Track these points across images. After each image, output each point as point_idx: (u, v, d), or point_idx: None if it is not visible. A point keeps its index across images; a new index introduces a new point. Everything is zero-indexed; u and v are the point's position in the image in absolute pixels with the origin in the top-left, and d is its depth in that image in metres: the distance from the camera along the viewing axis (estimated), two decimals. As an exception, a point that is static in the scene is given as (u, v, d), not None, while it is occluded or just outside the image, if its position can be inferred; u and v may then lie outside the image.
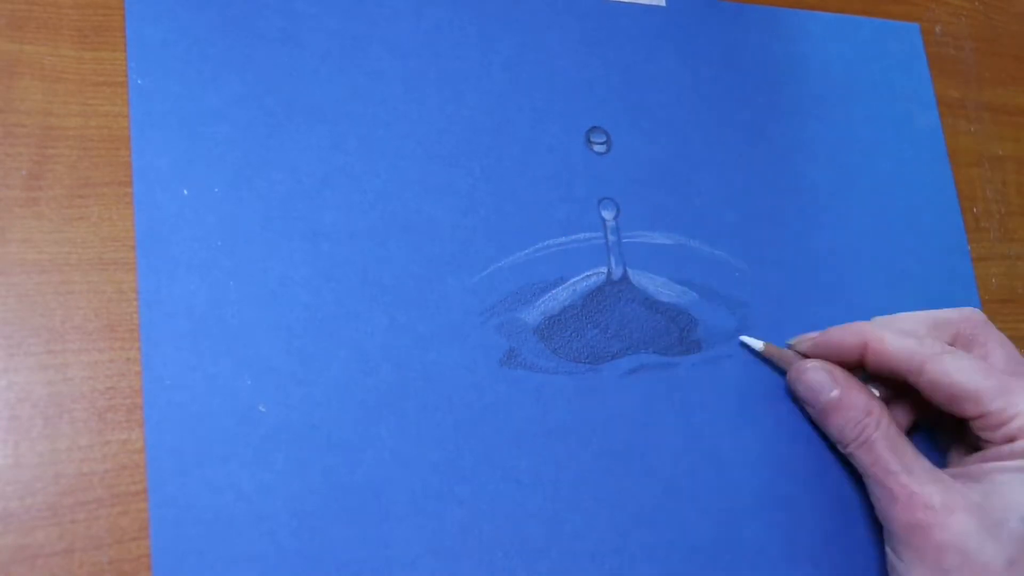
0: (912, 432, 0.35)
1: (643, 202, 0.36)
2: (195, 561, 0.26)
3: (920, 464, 0.31)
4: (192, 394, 0.28)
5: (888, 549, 0.31)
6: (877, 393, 0.34)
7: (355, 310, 0.30)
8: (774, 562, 0.33)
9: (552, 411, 0.32)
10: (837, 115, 0.41)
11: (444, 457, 0.30)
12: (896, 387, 0.33)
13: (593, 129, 0.36)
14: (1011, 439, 0.30)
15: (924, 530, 0.29)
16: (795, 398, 0.35)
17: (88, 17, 0.30)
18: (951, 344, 0.33)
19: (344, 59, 0.33)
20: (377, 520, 0.29)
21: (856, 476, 0.35)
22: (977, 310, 0.34)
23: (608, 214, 0.35)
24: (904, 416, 0.34)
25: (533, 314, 0.33)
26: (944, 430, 0.35)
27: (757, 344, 0.35)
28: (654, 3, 0.39)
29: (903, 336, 0.32)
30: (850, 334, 0.33)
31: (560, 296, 0.33)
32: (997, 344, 0.33)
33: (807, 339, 0.34)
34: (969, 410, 0.30)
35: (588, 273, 0.34)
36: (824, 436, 0.35)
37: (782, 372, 0.35)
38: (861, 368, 0.33)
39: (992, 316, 0.35)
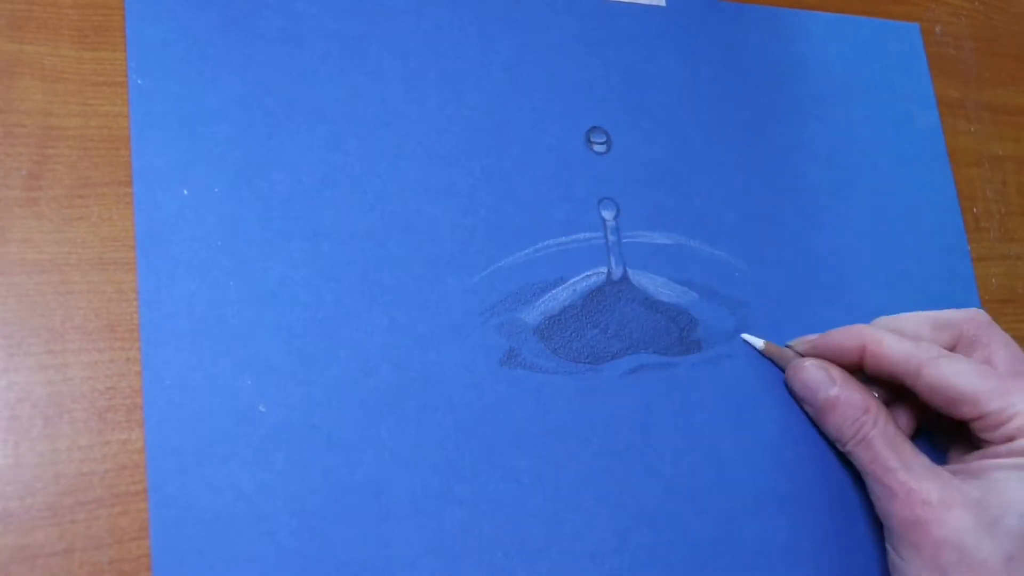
0: (915, 436, 0.35)
1: (643, 202, 0.36)
2: (195, 561, 0.26)
3: (918, 461, 0.31)
4: (192, 394, 0.28)
5: (888, 546, 0.31)
6: (876, 395, 0.34)
7: (355, 310, 0.30)
8: (774, 562, 0.33)
9: (552, 411, 0.32)
10: (837, 115, 0.41)
11: (444, 457, 0.30)
12: (897, 390, 0.33)
13: (593, 129, 0.36)
14: (1010, 438, 0.30)
15: (922, 526, 0.29)
16: (794, 397, 0.35)
17: (88, 17, 0.30)
18: (955, 345, 0.33)
19: (344, 59, 0.33)
20: (377, 520, 0.29)
21: (856, 476, 0.35)
22: (981, 311, 0.34)
23: (608, 214, 0.35)
24: (906, 419, 0.34)
25: (533, 314, 0.33)
26: (944, 429, 0.35)
27: (758, 343, 0.35)
28: (654, 3, 0.39)
29: (901, 340, 0.32)
30: (849, 337, 0.33)
31: (560, 296, 0.33)
32: (1001, 345, 0.33)
33: (806, 341, 0.34)
34: (967, 412, 0.30)
35: (588, 273, 0.34)
36: (824, 436, 0.35)
37: (782, 371, 0.35)
38: (861, 371, 0.33)
39: (992, 316, 0.35)
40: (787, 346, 0.35)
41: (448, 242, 0.32)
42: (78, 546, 0.26)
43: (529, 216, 0.34)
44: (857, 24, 0.44)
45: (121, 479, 0.26)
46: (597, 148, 0.36)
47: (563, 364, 0.33)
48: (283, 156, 0.31)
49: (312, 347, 0.29)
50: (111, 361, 0.27)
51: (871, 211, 0.40)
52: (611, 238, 0.35)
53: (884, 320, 0.34)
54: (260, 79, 0.31)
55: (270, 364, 0.29)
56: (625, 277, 0.35)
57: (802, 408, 0.35)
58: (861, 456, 0.32)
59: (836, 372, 0.33)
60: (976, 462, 0.30)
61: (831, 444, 0.35)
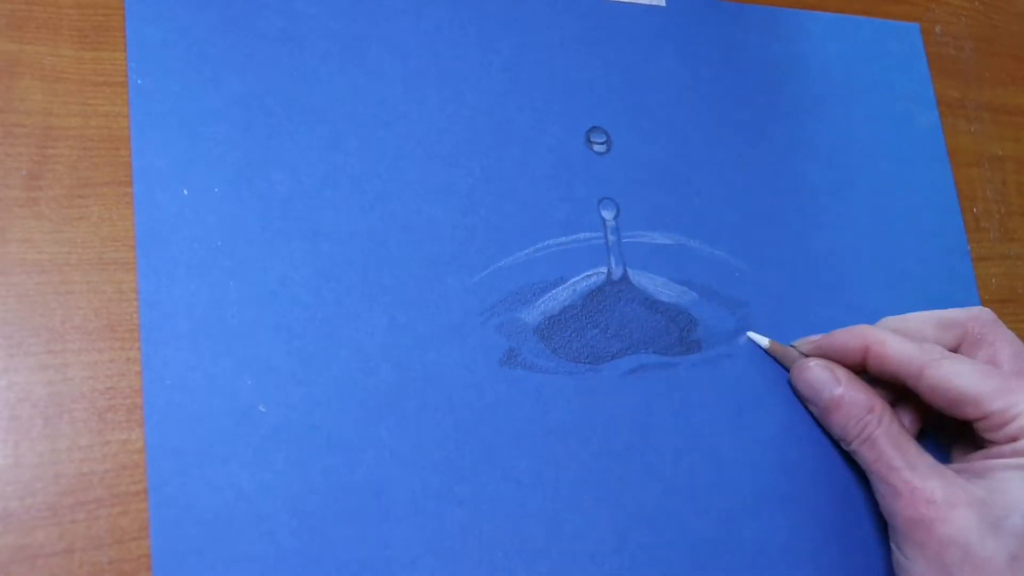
0: (921, 435, 0.35)
1: (643, 202, 0.36)
2: (195, 561, 0.26)
3: (923, 459, 0.31)
4: (192, 394, 0.28)
5: (893, 545, 0.31)
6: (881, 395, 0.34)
7: (355, 310, 0.30)
8: (774, 562, 0.33)
9: (552, 411, 0.32)
10: (837, 115, 0.41)
11: (444, 457, 0.30)
12: (902, 389, 0.34)
13: (593, 129, 0.36)
14: (1014, 438, 0.30)
15: (926, 525, 0.29)
16: (798, 396, 0.35)
17: (88, 17, 0.30)
18: (960, 343, 0.33)
19: (344, 59, 0.33)
20: (377, 520, 0.29)
21: (857, 475, 0.35)
22: (986, 309, 0.34)
23: (608, 214, 0.35)
24: (911, 418, 0.34)
25: (533, 314, 0.33)
26: (949, 428, 0.35)
27: (763, 341, 0.35)
28: (654, 3, 0.39)
29: (903, 340, 0.32)
30: (852, 337, 0.33)
31: (560, 296, 0.33)
32: (1006, 343, 0.33)
33: (810, 341, 0.35)
34: (970, 413, 0.30)
35: (588, 273, 0.34)
36: (825, 435, 0.35)
37: (786, 370, 0.35)
38: (866, 371, 0.33)
39: (992, 316, 0.35)
40: (791, 346, 0.35)
41: (448, 242, 0.32)
42: (78, 546, 0.26)
43: (529, 216, 0.34)
44: (857, 24, 0.44)
45: (121, 479, 0.26)
46: (597, 148, 0.36)
47: (563, 364, 0.33)
48: (283, 156, 0.31)
49: (312, 347, 0.29)
50: (111, 361, 0.27)
51: (871, 211, 0.40)
52: (611, 238, 0.35)
53: (889, 320, 0.34)
54: (260, 79, 0.31)
55: (270, 364, 0.29)
56: (625, 277, 0.35)
57: (806, 408, 0.35)
58: (866, 455, 0.32)
59: (841, 372, 0.33)
60: (980, 461, 0.30)
61: (832, 444, 0.35)
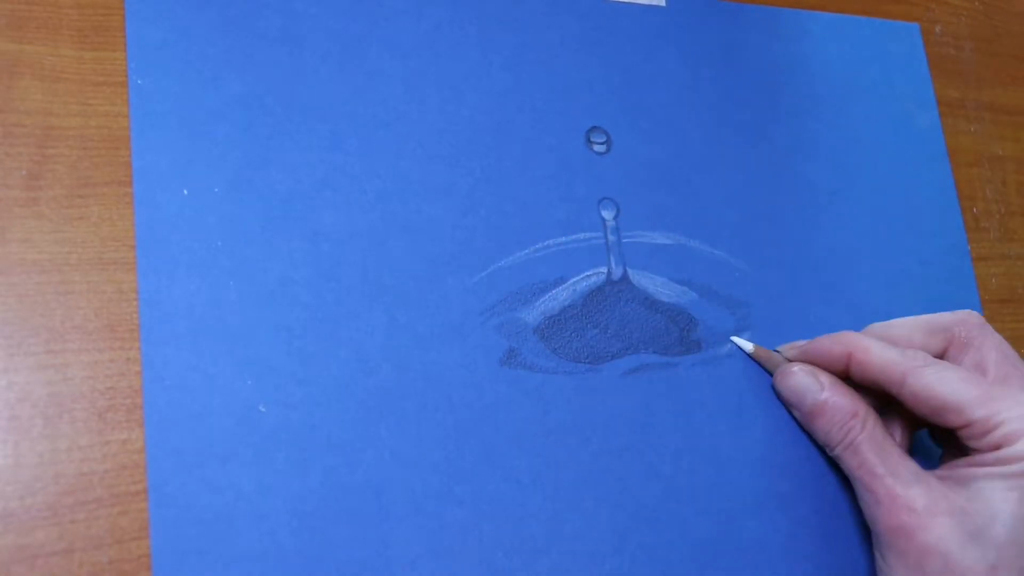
0: (912, 439, 0.35)
1: (643, 202, 0.36)
2: (195, 561, 0.26)
3: (905, 466, 0.31)
4: (192, 394, 0.28)
5: (875, 552, 0.31)
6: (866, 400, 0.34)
7: (355, 310, 0.30)
8: (774, 562, 0.33)
9: (552, 411, 0.32)
10: (837, 115, 0.41)
11: (444, 457, 0.30)
12: (888, 396, 0.33)
13: (593, 129, 0.36)
14: (997, 447, 0.29)
15: (907, 533, 0.29)
16: (782, 401, 0.35)
17: (88, 17, 0.30)
18: (947, 347, 0.33)
19: (344, 59, 0.33)
20: (377, 520, 0.29)
21: (856, 476, 0.35)
22: (974, 312, 0.34)
23: (608, 214, 0.35)
24: (901, 423, 0.34)
25: (533, 314, 0.33)
26: (940, 432, 0.35)
27: (747, 346, 0.35)
28: (654, 3, 0.39)
29: (887, 348, 0.32)
30: (836, 343, 0.33)
31: (560, 296, 0.33)
32: (993, 347, 0.33)
33: (795, 346, 0.35)
34: (953, 420, 0.30)
35: (588, 273, 0.34)
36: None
37: (770, 375, 0.35)
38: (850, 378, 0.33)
39: (992, 316, 0.35)
40: (776, 351, 0.35)
41: (448, 242, 0.32)
42: (78, 546, 0.26)
43: (529, 216, 0.34)
44: (857, 24, 0.44)
45: (121, 479, 0.26)
46: (597, 148, 0.36)
47: (563, 364, 0.33)
48: (283, 156, 0.31)
49: (312, 347, 0.29)
50: (111, 361, 0.27)
51: (871, 211, 0.40)
52: (611, 238, 0.35)
53: (876, 327, 0.34)
54: (260, 79, 0.31)
55: (270, 364, 0.29)
56: (625, 277, 0.35)
57: (790, 413, 0.35)
58: (849, 461, 0.32)
59: (824, 377, 0.33)
60: (963, 469, 0.30)
61: (830, 445, 0.35)
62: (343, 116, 0.32)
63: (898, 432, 0.34)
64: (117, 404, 0.27)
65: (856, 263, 0.39)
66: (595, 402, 0.32)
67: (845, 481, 0.35)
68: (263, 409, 0.28)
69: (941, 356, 0.33)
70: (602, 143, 0.36)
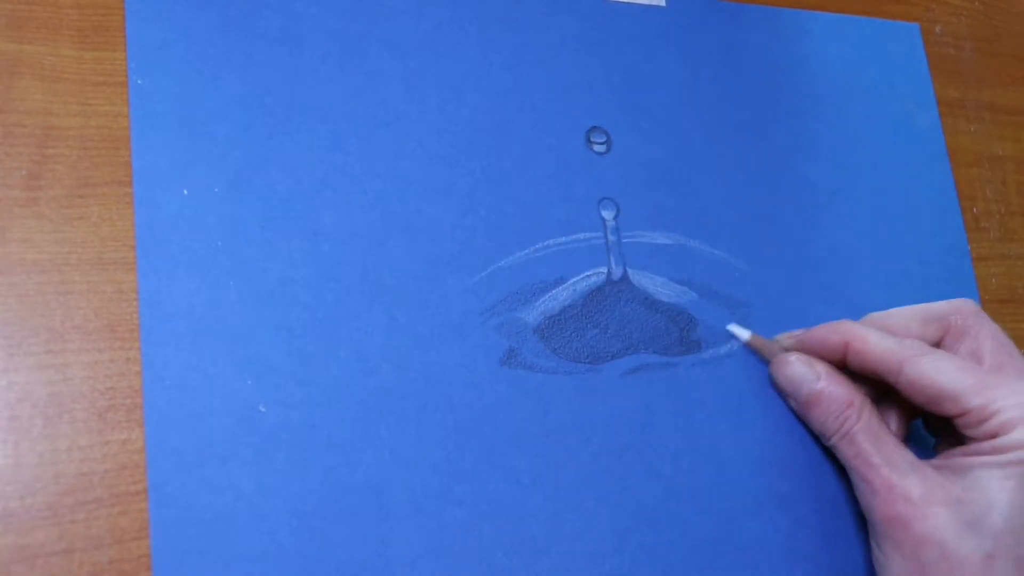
0: (910, 428, 0.35)
1: (643, 202, 0.36)
2: (195, 561, 0.26)
3: (901, 456, 0.31)
4: (192, 394, 0.28)
5: (872, 542, 0.31)
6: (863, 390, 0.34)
7: (355, 310, 0.30)
8: (774, 561, 0.33)
9: (552, 411, 0.32)
10: (837, 115, 0.41)
11: (444, 457, 0.30)
12: (886, 385, 0.33)
13: (593, 129, 0.36)
14: (993, 435, 0.30)
15: (903, 523, 0.29)
16: (778, 391, 0.35)
17: (88, 17, 0.30)
18: (943, 336, 0.33)
19: (344, 59, 0.33)
20: (377, 520, 0.29)
21: (856, 476, 0.35)
22: (970, 300, 0.34)
23: (608, 214, 0.35)
24: (898, 413, 0.34)
25: (533, 314, 0.33)
26: (937, 421, 0.35)
27: (744, 334, 0.35)
28: (654, 3, 0.39)
29: (884, 337, 0.32)
30: (833, 332, 0.33)
31: (560, 296, 0.33)
32: (988, 335, 0.33)
33: (792, 335, 0.35)
34: (949, 409, 0.30)
35: (588, 273, 0.34)
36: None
37: (767, 364, 0.35)
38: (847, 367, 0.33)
39: (992, 316, 0.35)
40: (773, 340, 0.35)
41: (448, 242, 0.32)
42: (78, 546, 0.26)
43: (529, 216, 0.34)
44: (857, 24, 0.44)
45: (121, 479, 0.26)
46: (597, 148, 0.36)
47: (563, 364, 0.33)
48: (283, 156, 0.31)
49: (312, 347, 0.29)
50: (111, 361, 0.27)
51: (871, 211, 0.40)
52: (611, 238, 0.35)
53: (873, 316, 0.34)
54: (260, 79, 0.31)
55: (270, 364, 0.29)
56: (625, 277, 0.35)
57: (787, 403, 0.35)
58: (844, 451, 0.32)
59: (821, 367, 0.33)
60: (960, 458, 0.30)
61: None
62: (343, 116, 0.32)
63: (895, 421, 0.34)
64: (117, 404, 0.27)
65: (856, 263, 0.39)
66: (595, 402, 0.32)
67: (846, 480, 0.35)
68: (263, 409, 0.28)
69: (938, 345, 0.33)
70: (602, 143, 0.36)
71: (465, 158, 0.33)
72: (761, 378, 0.36)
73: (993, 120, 0.46)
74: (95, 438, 0.27)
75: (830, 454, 0.35)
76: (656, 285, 0.35)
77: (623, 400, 0.33)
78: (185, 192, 0.29)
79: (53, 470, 0.26)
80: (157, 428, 0.27)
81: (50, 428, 0.26)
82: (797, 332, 0.35)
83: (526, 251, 0.33)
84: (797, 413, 0.35)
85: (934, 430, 0.35)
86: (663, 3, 0.39)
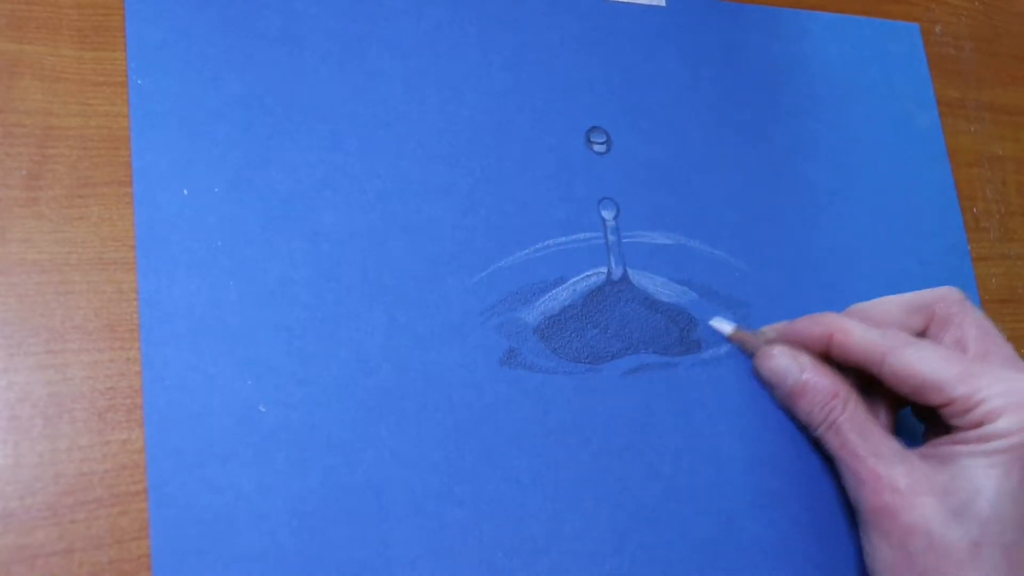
0: (898, 418, 0.35)
1: (643, 202, 0.36)
2: (195, 561, 0.26)
3: (888, 446, 0.31)
4: (192, 394, 0.28)
5: (861, 533, 0.31)
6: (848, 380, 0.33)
7: (355, 310, 0.30)
8: (774, 561, 0.33)
9: (552, 411, 0.32)
10: (837, 115, 0.41)
11: (444, 457, 0.30)
12: (870, 376, 0.33)
13: (593, 129, 0.36)
14: (978, 424, 0.29)
15: (891, 513, 0.29)
16: (762, 383, 0.35)
17: (88, 17, 0.30)
18: (928, 325, 0.33)
19: (344, 59, 0.33)
20: (377, 520, 0.29)
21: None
22: (954, 288, 0.34)
23: (608, 214, 0.35)
24: (886, 403, 0.34)
25: (533, 314, 0.33)
26: (922, 408, 0.35)
27: (726, 328, 0.35)
28: (654, 3, 0.39)
29: (867, 328, 0.32)
30: (816, 324, 0.33)
31: (560, 296, 0.33)
32: (972, 324, 0.32)
33: (775, 328, 0.34)
34: (934, 399, 0.30)
35: (588, 273, 0.34)
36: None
37: (750, 357, 0.35)
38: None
39: (992, 316, 0.35)
40: (757, 333, 0.35)
41: (448, 242, 0.32)
42: (78, 546, 0.26)
43: (529, 216, 0.34)
44: (857, 24, 0.44)
45: (121, 479, 0.26)
46: (597, 148, 0.36)
47: (563, 364, 0.33)
48: (283, 156, 0.31)
49: (312, 347, 0.29)
50: (111, 361, 0.27)
51: (871, 211, 0.40)
52: (611, 238, 0.35)
53: (857, 307, 0.34)
54: (260, 79, 0.31)
55: (270, 364, 0.29)
56: (625, 277, 0.35)
57: (771, 395, 0.35)
58: (831, 442, 0.32)
59: (805, 358, 0.33)
60: (946, 447, 0.30)
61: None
62: (343, 116, 0.32)
63: (882, 411, 0.34)
64: (117, 404, 0.27)
65: (856, 263, 0.39)
66: (595, 402, 0.32)
67: (845, 481, 0.35)
68: (263, 409, 0.28)
69: (922, 334, 0.33)
70: (602, 143, 0.36)
71: (465, 158, 0.33)
72: (761, 378, 0.36)
73: (993, 120, 0.46)
74: (95, 438, 0.27)
75: (831, 457, 0.36)
76: (656, 285, 0.35)
77: (623, 400, 0.33)
78: (185, 192, 0.29)
79: (53, 470, 0.26)
80: (157, 428, 0.27)
81: (50, 428, 0.26)
82: (780, 324, 0.34)
83: (526, 251, 0.33)
84: (782, 405, 0.35)
85: (923, 418, 0.35)
86: (663, 3, 0.39)
